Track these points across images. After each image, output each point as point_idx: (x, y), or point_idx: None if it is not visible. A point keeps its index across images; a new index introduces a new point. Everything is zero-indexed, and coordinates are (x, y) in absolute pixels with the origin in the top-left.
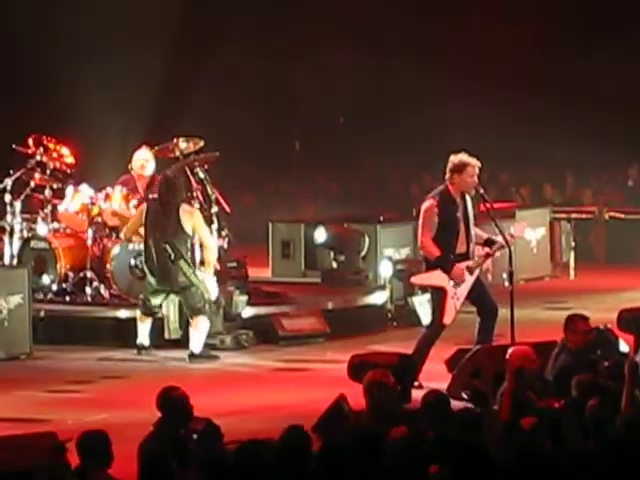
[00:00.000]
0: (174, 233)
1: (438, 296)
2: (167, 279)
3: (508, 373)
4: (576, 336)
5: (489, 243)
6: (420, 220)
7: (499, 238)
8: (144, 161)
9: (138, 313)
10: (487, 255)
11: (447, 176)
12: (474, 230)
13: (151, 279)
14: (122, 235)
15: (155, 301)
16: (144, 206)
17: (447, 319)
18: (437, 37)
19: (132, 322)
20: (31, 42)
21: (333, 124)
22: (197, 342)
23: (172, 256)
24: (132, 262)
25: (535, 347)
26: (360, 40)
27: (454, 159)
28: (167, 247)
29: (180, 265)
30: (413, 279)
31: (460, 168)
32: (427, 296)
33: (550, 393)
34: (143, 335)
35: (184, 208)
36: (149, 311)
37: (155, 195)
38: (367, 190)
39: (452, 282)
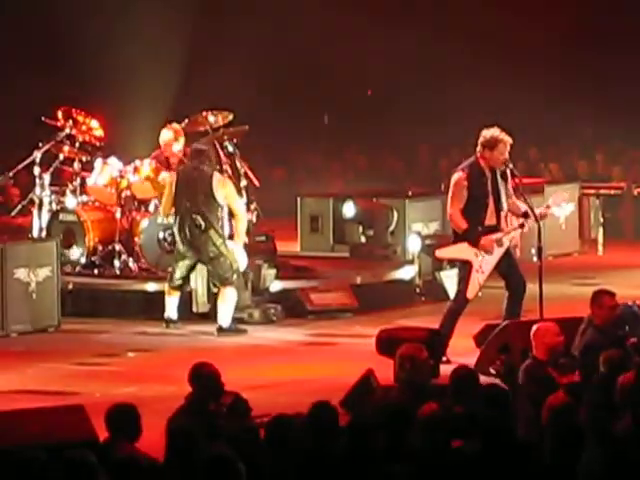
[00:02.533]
0: (205, 202)
1: (463, 269)
2: (197, 248)
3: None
4: (602, 311)
5: (526, 215)
6: (450, 192)
7: (538, 211)
8: (169, 141)
9: (166, 287)
10: (520, 226)
11: (478, 149)
12: (508, 202)
13: (181, 247)
14: (161, 211)
15: (181, 272)
16: (173, 176)
17: (470, 293)
18: (466, 19)
19: (160, 295)
20: (63, 12)
21: (363, 98)
22: (225, 315)
23: (202, 226)
24: (161, 235)
25: (562, 323)
26: (394, 17)
27: (486, 134)
28: (198, 217)
29: (210, 235)
30: (438, 252)
31: (492, 144)
32: (455, 271)
33: (575, 369)
34: (171, 309)
35: (217, 177)
36: (176, 284)
37: (186, 165)
38: (396, 165)
39: (478, 255)
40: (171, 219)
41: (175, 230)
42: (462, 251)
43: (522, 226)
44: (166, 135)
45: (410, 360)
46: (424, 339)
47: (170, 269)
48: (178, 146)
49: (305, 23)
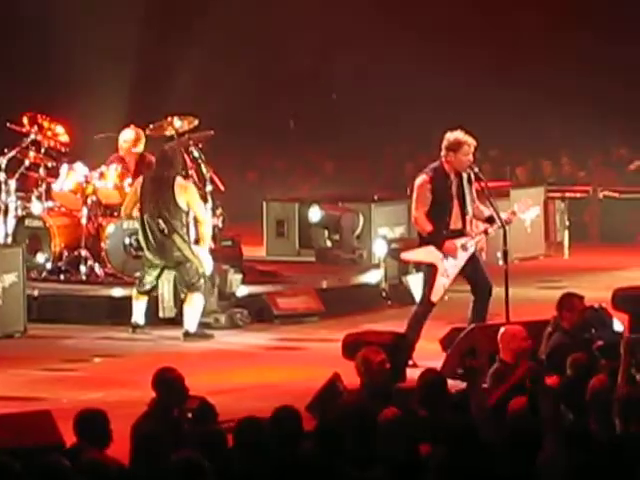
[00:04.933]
0: (168, 207)
1: (428, 273)
2: (162, 253)
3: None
4: (571, 315)
5: (491, 220)
6: (414, 195)
7: (503, 215)
8: (130, 142)
9: (134, 292)
10: (484, 232)
11: (442, 153)
12: (473, 207)
13: (148, 254)
14: (122, 212)
15: (151, 278)
16: (139, 181)
17: (434, 296)
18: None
19: (127, 301)
20: (29, 16)
21: (328, 102)
22: (192, 320)
23: (165, 230)
24: (127, 241)
25: (528, 326)
26: (363, 16)
27: (450, 137)
28: (160, 221)
29: (174, 239)
30: (403, 255)
31: (456, 146)
32: (421, 274)
33: (544, 372)
34: (139, 314)
35: (179, 182)
36: (145, 290)
37: (151, 170)
38: (361, 169)
39: (443, 259)
40: (137, 224)
41: (140, 237)
42: (427, 254)
43: (486, 232)
44: (127, 135)
45: (365, 363)
46: (390, 343)
47: (138, 274)
48: (137, 149)
49: (272, 28)
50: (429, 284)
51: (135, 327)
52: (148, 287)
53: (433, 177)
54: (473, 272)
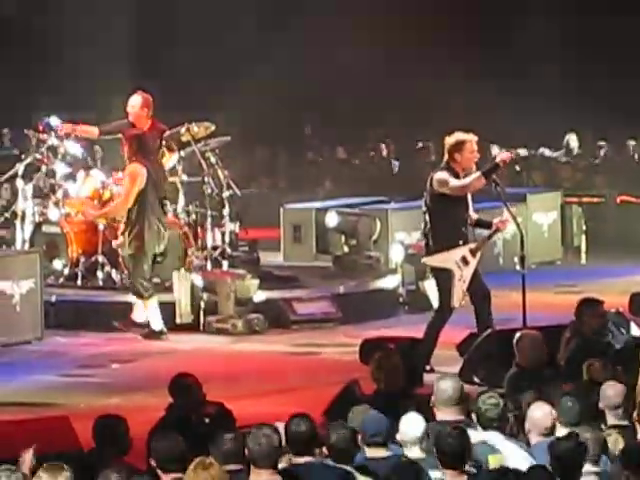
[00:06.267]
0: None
1: (445, 278)
2: (164, 237)
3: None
4: (591, 320)
5: (481, 224)
6: (436, 184)
7: (492, 219)
8: (138, 106)
9: (144, 300)
10: (489, 238)
11: (446, 158)
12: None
13: (150, 246)
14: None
15: (150, 279)
16: (143, 172)
17: (456, 302)
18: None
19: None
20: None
21: (344, 108)
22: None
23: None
24: None
25: (546, 331)
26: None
27: (449, 140)
28: (167, 202)
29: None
30: (424, 259)
31: (459, 146)
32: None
33: (561, 378)
34: (157, 319)
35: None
36: (153, 292)
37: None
38: (379, 174)
39: (459, 264)
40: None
41: (145, 226)
42: (446, 261)
43: (489, 238)
44: (135, 100)
45: (378, 368)
46: (407, 348)
47: (141, 282)
48: (144, 113)
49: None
50: (447, 290)
51: (161, 333)
52: (153, 289)
53: (450, 175)
54: (471, 282)
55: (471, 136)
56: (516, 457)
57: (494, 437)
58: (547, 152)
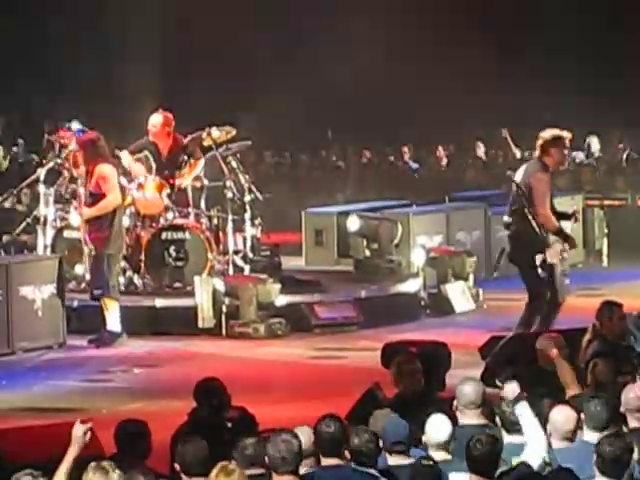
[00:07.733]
0: None
1: (549, 273)
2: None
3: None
4: (612, 323)
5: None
6: (536, 192)
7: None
8: (159, 125)
9: (110, 300)
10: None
11: (538, 153)
12: None
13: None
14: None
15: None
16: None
17: (560, 297)
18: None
19: (166, 311)
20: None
21: (367, 111)
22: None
23: None
24: (165, 251)
25: (567, 334)
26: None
27: (545, 135)
28: None
29: None
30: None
31: (556, 141)
32: (460, 283)
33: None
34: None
35: None
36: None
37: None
38: (400, 178)
39: (561, 258)
40: (176, 234)
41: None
42: (552, 255)
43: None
44: (155, 119)
45: (398, 371)
46: (429, 352)
47: (112, 283)
48: (165, 131)
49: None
50: (553, 284)
51: (118, 335)
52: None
53: (549, 175)
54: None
55: (566, 133)
56: (538, 460)
57: (518, 441)
58: (579, 156)
